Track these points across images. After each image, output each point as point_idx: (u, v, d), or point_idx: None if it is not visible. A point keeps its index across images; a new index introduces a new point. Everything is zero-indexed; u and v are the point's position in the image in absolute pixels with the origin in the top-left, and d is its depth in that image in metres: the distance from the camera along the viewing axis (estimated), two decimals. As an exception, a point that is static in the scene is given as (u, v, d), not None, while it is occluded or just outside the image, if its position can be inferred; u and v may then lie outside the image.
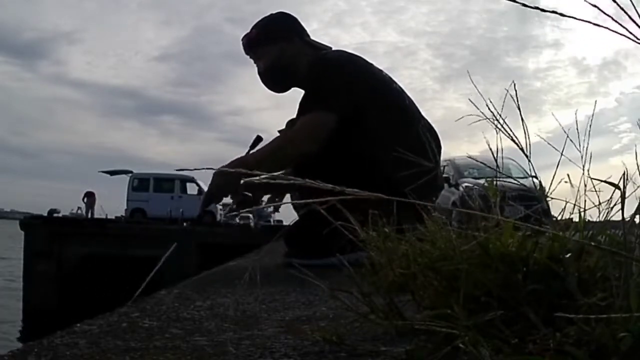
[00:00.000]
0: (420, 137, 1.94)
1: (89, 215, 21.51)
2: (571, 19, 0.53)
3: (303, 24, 2.34)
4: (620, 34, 0.50)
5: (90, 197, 22.37)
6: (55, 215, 21.24)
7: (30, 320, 11.51)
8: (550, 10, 0.54)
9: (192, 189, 21.94)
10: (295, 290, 1.35)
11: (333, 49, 2.30)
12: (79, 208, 22.98)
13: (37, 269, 12.86)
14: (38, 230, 13.55)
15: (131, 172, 22.44)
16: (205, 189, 2.18)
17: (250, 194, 2.12)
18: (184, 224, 17.46)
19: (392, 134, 2.03)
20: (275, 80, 2.34)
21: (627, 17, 0.50)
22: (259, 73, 2.33)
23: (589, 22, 0.52)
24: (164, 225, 16.04)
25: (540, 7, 0.55)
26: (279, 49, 2.26)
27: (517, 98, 0.76)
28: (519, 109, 0.77)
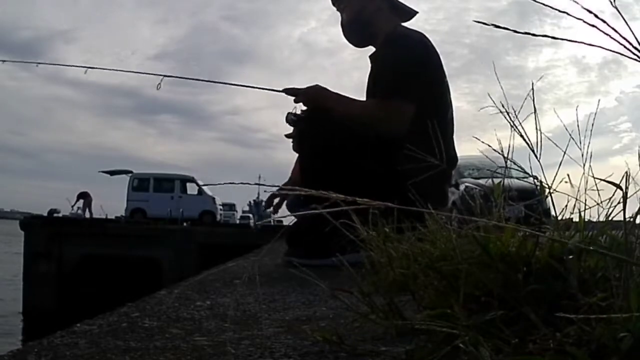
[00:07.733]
0: (451, 148, 2.13)
1: (87, 216, 21.45)
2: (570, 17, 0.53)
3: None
4: (613, 39, 0.50)
5: (85, 197, 22.26)
6: (55, 215, 21.22)
7: (30, 320, 11.50)
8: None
9: (192, 189, 21.93)
10: (295, 290, 1.35)
11: (416, 12, 2.32)
12: (78, 208, 22.92)
13: (37, 269, 12.85)
14: (38, 230, 13.53)
15: (131, 172, 22.38)
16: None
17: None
18: (184, 224, 17.44)
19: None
20: (355, 35, 2.36)
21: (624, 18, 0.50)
22: (342, 25, 2.36)
23: (584, 21, 0.51)
24: (164, 225, 16.02)
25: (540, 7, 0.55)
26: (361, 2, 2.29)
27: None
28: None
